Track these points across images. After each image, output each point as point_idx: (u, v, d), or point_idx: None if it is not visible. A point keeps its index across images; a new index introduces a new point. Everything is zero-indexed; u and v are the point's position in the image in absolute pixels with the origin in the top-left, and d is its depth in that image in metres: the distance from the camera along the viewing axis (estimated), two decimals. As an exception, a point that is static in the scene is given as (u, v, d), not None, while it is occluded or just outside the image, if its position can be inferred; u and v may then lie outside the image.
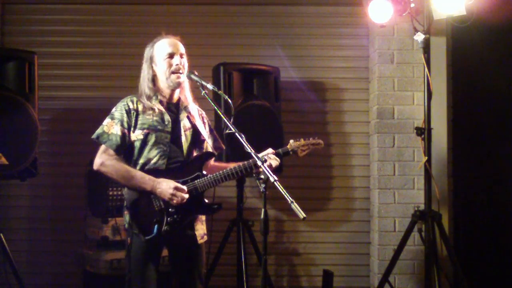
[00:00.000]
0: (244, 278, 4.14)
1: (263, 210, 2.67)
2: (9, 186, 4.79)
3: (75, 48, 5.00)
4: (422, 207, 4.20)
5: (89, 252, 4.25)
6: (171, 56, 3.12)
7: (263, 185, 2.68)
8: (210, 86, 3.01)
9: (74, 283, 4.65)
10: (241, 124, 3.10)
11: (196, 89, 3.16)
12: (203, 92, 3.03)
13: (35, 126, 3.97)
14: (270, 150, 3.13)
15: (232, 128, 2.89)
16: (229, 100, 3.03)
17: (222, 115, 2.98)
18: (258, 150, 2.98)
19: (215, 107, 3.03)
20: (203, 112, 3.32)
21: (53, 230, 4.85)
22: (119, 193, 4.16)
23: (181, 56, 3.14)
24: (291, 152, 3.17)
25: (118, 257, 4.10)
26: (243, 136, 2.87)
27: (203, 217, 3.24)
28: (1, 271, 4.00)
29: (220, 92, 3.06)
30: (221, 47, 5.00)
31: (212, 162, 3.29)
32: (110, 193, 4.18)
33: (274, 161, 3.09)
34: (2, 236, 3.93)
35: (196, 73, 3.10)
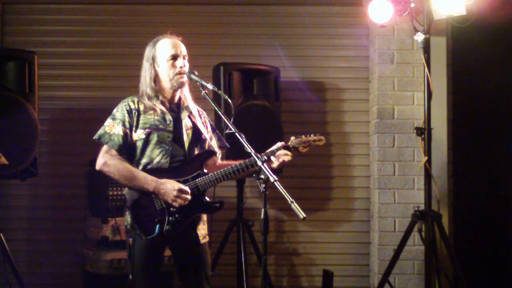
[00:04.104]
0: (244, 278, 4.14)
1: (263, 210, 2.66)
2: (9, 186, 4.78)
3: (75, 48, 5.00)
4: (422, 207, 4.20)
5: (89, 252, 4.24)
6: (174, 58, 3.10)
7: (263, 185, 2.67)
8: (210, 86, 3.01)
9: (74, 283, 4.64)
10: (241, 124, 3.10)
11: (196, 89, 3.15)
12: (203, 92, 3.02)
13: (35, 126, 3.97)
14: (280, 144, 3.05)
15: (232, 128, 2.88)
16: (229, 100, 3.02)
17: (222, 115, 2.97)
18: (258, 150, 2.97)
19: (215, 107, 3.02)
20: (204, 112, 3.31)
21: (53, 230, 4.85)
22: (119, 193, 4.17)
23: (184, 58, 3.13)
24: (292, 149, 3.06)
25: (118, 257, 4.09)
26: (243, 136, 2.86)
27: (205, 217, 3.23)
28: (1, 271, 4.00)
29: (220, 92, 3.05)
30: (221, 47, 5.00)
31: (219, 160, 3.27)
32: (110, 193, 4.18)
33: (287, 157, 3.01)
34: (2, 236, 3.93)
35: (196, 73, 3.09)
